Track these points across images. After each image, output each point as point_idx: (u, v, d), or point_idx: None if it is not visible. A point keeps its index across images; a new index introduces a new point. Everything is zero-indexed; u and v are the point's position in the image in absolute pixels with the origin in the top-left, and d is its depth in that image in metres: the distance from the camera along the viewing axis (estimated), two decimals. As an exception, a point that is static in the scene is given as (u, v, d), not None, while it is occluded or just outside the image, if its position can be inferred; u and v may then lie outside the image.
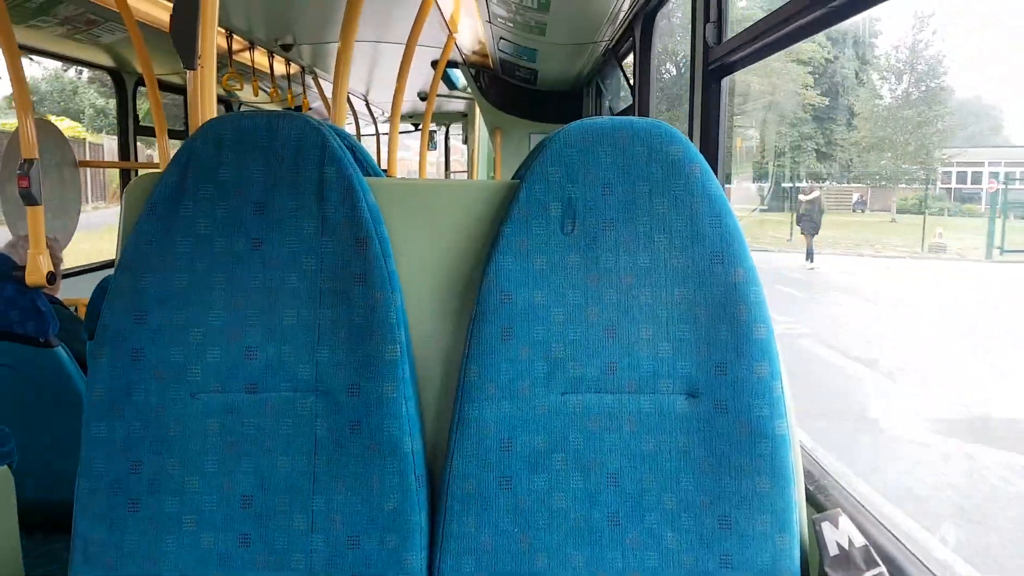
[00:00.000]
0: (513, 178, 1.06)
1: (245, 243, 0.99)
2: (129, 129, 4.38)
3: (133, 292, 0.98)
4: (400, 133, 4.35)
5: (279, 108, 5.72)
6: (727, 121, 1.89)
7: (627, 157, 0.99)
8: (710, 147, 1.87)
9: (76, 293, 3.51)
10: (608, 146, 0.99)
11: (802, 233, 13.88)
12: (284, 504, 0.96)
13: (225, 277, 0.98)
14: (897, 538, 1.02)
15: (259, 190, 0.99)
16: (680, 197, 0.98)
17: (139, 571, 0.95)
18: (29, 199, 2.43)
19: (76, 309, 3.09)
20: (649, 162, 0.98)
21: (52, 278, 2.39)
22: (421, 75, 4.91)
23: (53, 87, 19.51)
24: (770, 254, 14.64)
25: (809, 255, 13.44)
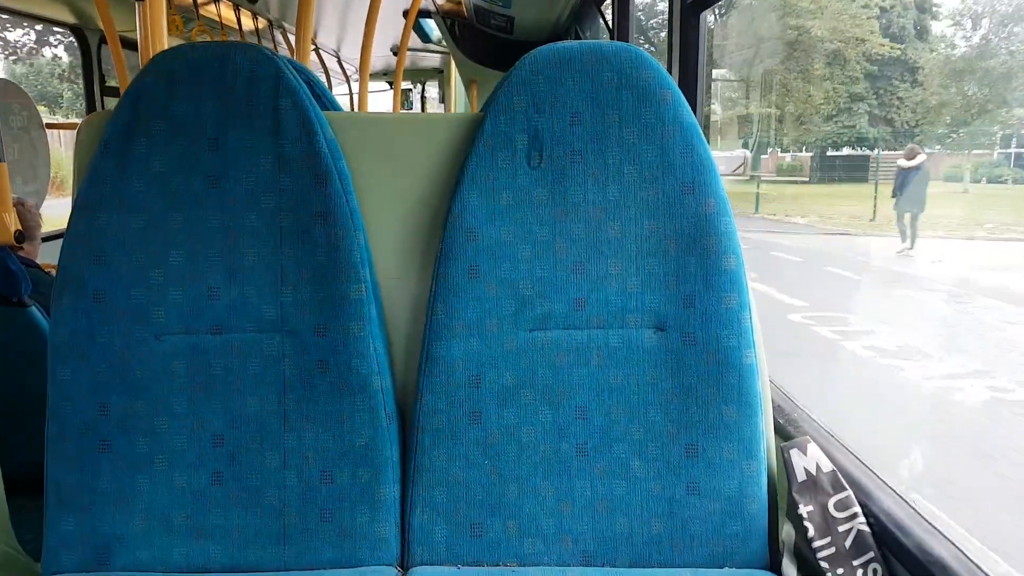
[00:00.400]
0: (480, 111, 1.03)
1: (201, 181, 0.96)
2: (95, 88, 4.26)
3: (90, 233, 0.95)
4: (374, 92, 4.27)
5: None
6: (705, 58, 1.85)
7: (596, 83, 0.96)
8: (689, 84, 1.84)
9: (52, 258, 3.46)
10: (576, 72, 0.96)
11: (896, 209, 10.26)
12: (255, 442, 0.96)
13: (183, 216, 0.96)
14: (864, 463, 1.03)
15: (213, 125, 0.96)
16: (651, 125, 0.96)
17: (113, 511, 0.95)
18: None
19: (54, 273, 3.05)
20: (620, 88, 0.96)
21: (20, 236, 2.34)
22: (393, 27, 4.80)
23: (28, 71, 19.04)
24: (852, 238, 11.47)
25: (906, 236, 9.87)
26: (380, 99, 8.95)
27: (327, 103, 1.06)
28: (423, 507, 0.96)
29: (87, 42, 4.21)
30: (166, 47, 1.49)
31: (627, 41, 2.93)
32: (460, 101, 7.43)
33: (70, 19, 4.04)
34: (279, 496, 0.96)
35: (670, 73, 1.87)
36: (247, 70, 0.96)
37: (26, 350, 2.28)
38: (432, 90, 9.13)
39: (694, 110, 1.25)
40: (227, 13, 4.41)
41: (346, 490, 0.96)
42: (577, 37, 4.34)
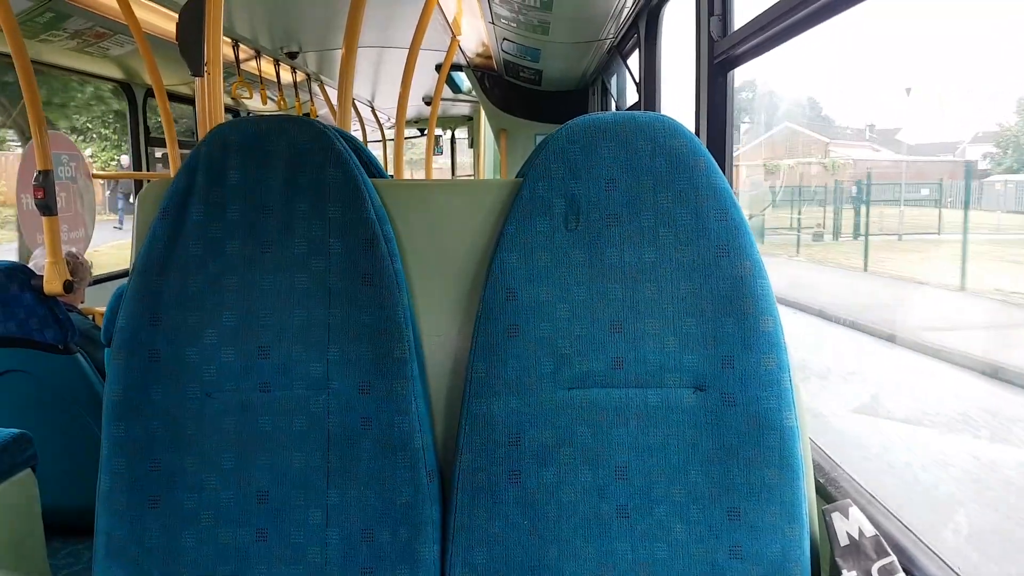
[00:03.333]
0: (516, 176, 1.07)
1: (255, 246, 1.00)
2: (140, 140, 4.43)
3: (148, 295, 0.99)
4: (406, 139, 4.37)
5: (287, 115, 5.75)
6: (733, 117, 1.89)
7: (630, 151, 0.99)
8: (717, 142, 1.87)
9: (91, 302, 3.56)
10: (611, 141, 0.99)
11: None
12: (299, 499, 0.98)
13: (237, 279, 1.00)
14: (907, 527, 1.02)
15: (267, 193, 1.01)
16: (685, 191, 0.98)
17: (160, 565, 0.97)
18: (45, 209, 2.48)
19: (93, 318, 3.14)
20: (653, 156, 0.99)
21: (69, 287, 2.43)
22: (425, 79, 4.94)
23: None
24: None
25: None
26: (410, 143, 9.13)
27: (374, 170, 1.11)
28: (463, 567, 0.97)
29: (134, 96, 4.39)
30: (223, 116, 1.57)
31: (654, 94, 2.99)
32: (489, 147, 7.55)
33: (119, 75, 4.23)
34: (321, 553, 0.98)
35: (698, 132, 1.91)
36: (301, 141, 1.01)
37: (71, 396, 2.35)
38: (461, 135, 9.30)
39: (723, 168, 1.27)
40: (267, 68, 4.57)
41: (387, 549, 0.97)
42: (604, 89, 4.43)
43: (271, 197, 1.01)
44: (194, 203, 1.01)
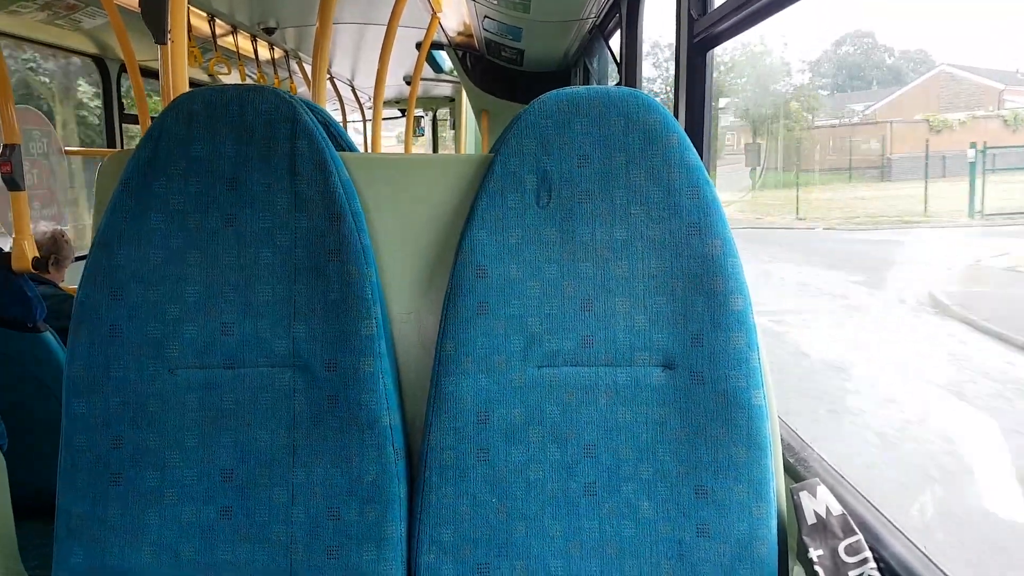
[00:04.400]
0: (490, 152, 1.05)
1: (219, 219, 0.98)
2: (114, 116, 4.34)
3: (109, 268, 0.97)
4: (387, 119, 4.32)
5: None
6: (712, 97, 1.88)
7: (603, 127, 0.98)
8: (695, 123, 1.86)
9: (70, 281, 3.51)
10: (584, 116, 0.98)
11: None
12: (264, 477, 0.97)
13: (200, 253, 0.98)
14: (874, 506, 1.03)
15: (231, 165, 0.98)
16: (658, 167, 0.97)
17: (122, 544, 0.96)
18: (12, 184, 2.42)
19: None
20: (626, 132, 0.98)
21: (38, 263, 2.39)
22: (406, 58, 4.87)
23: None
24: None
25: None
26: (392, 125, 9.03)
27: (342, 143, 1.09)
28: (430, 545, 0.96)
29: (108, 72, 4.30)
30: (187, 86, 1.54)
31: (635, 74, 2.97)
32: (470, 128, 7.50)
33: (92, 50, 4.13)
34: (287, 532, 0.97)
35: (676, 113, 1.90)
36: (265, 112, 0.99)
37: (39, 375, 2.31)
38: (443, 115, 9.23)
39: (700, 149, 1.26)
40: (244, 44, 4.49)
41: (353, 527, 0.96)
42: (585, 69, 4.40)
43: (235, 169, 0.98)
44: (156, 174, 0.98)
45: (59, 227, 2.81)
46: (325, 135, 1.01)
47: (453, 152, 9.08)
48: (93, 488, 0.96)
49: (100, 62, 4.27)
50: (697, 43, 1.82)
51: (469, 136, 7.70)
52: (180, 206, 0.98)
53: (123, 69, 4.33)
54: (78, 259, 3.76)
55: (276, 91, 1.01)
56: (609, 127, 0.98)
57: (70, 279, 2.91)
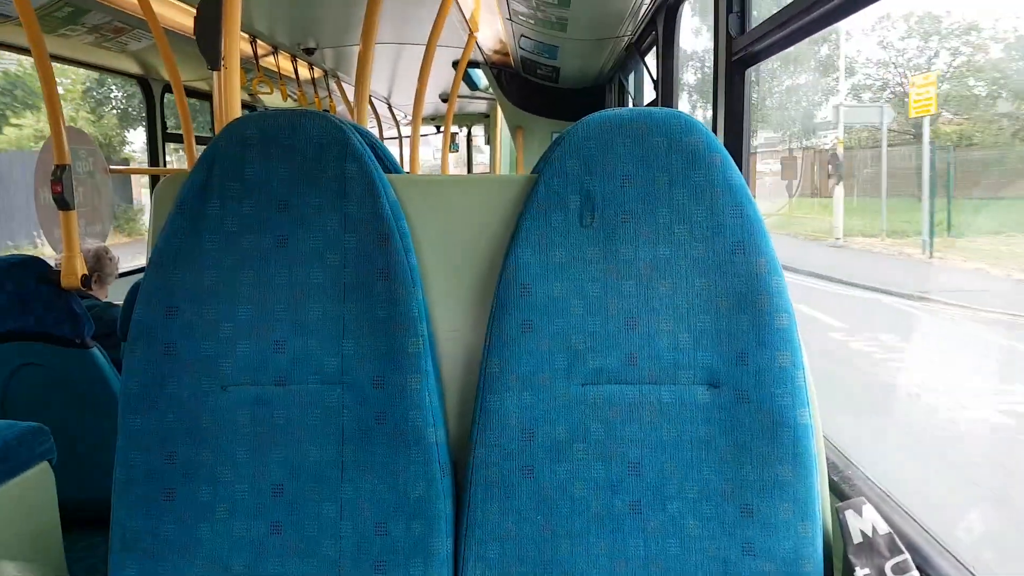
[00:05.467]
0: (532, 172, 1.07)
1: (271, 240, 1.01)
2: (158, 135, 4.46)
3: (164, 288, 1.00)
4: (422, 136, 4.37)
5: (303, 112, 5.79)
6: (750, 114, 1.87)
7: (646, 148, 0.99)
8: (734, 140, 1.86)
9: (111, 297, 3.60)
10: (626, 137, 0.99)
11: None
12: (314, 492, 0.98)
13: (252, 273, 1.00)
14: (921, 526, 1.01)
15: (283, 188, 1.01)
16: (700, 187, 0.97)
17: (175, 558, 0.98)
18: (63, 204, 2.49)
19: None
20: (669, 152, 0.98)
21: (86, 280, 2.45)
22: (442, 76, 4.94)
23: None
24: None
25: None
26: (426, 140, 9.14)
27: (389, 165, 1.11)
28: (476, 562, 0.97)
29: (151, 91, 4.43)
30: (239, 110, 1.58)
31: (672, 92, 2.97)
32: (506, 145, 7.55)
33: (136, 70, 4.26)
34: (335, 547, 0.98)
35: (715, 130, 1.90)
36: (316, 136, 1.01)
37: (87, 390, 2.36)
38: (478, 132, 9.31)
39: (739, 166, 1.26)
40: (285, 64, 4.59)
41: (400, 543, 0.98)
42: (621, 87, 4.41)
43: (287, 191, 1.01)
44: (210, 197, 1.01)
45: (102, 244, 2.89)
46: (373, 158, 1.03)
47: (488, 168, 9.14)
48: (147, 503, 0.99)
49: (144, 82, 4.40)
50: (736, 61, 1.82)
51: (504, 152, 7.75)
52: (233, 227, 1.01)
53: (166, 89, 4.46)
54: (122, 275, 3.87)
55: (327, 116, 1.03)
56: (651, 148, 0.99)
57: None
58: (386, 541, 0.98)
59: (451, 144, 8.71)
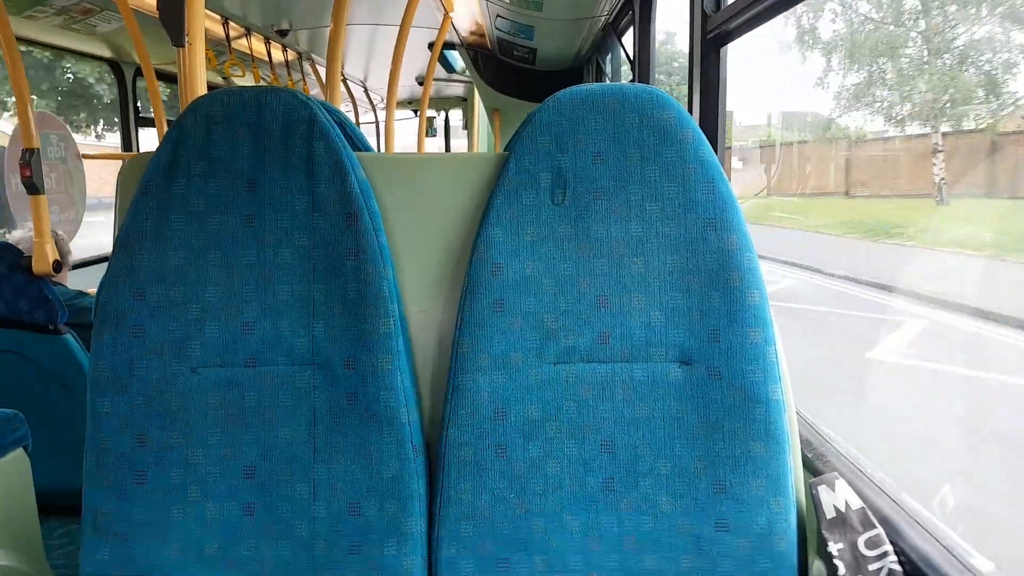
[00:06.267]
0: (504, 150, 1.06)
1: (238, 220, 0.99)
2: (130, 119, 4.38)
3: (130, 270, 0.99)
4: (399, 120, 4.33)
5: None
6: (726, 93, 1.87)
7: (618, 124, 0.98)
8: (709, 118, 1.86)
9: (84, 284, 3.55)
10: (598, 113, 0.99)
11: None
12: (286, 474, 0.98)
13: (220, 253, 0.99)
14: (894, 500, 1.03)
15: (249, 167, 0.99)
16: (673, 164, 0.97)
17: (148, 541, 0.97)
18: (32, 188, 2.45)
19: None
20: (641, 128, 0.98)
21: (58, 266, 2.41)
22: (418, 58, 4.89)
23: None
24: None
25: None
26: (405, 126, 9.05)
27: (358, 143, 1.10)
28: (450, 541, 0.97)
29: (123, 75, 4.34)
30: (205, 88, 1.55)
31: (648, 72, 2.97)
32: (483, 128, 7.51)
33: (107, 54, 4.18)
34: (309, 528, 0.98)
35: (690, 109, 1.90)
36: (283, 114, 1.00)
37: (61, 376, 2.34)
38: (456, 116, 9.24)
39: (714, 145, 1.26)
40: (258, 46, 4.52)
41: (374, 523, 0.97)
42: (598, 68, 4.39)
43: (253, 170, 1.00)
44: (176, 176, 0.99)
45: (58, 232, 2.84)
46: (342, 136, 1.02)
47: (465, 151, 9.08)
48: (118, 486, 0.98)
49: (115, 66, 4.31)
50: (711, 39, 1.82)
51: (482, 136, 7.70)
52: (200, 207, 0.99)
53: (138, 72, 4.38)
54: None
55: (293, 92, 1.02)
56: (624, 124, 0.98)
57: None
58: (359, 522, 0.97)
59: (429, 129, 8.63)
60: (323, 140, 0.99)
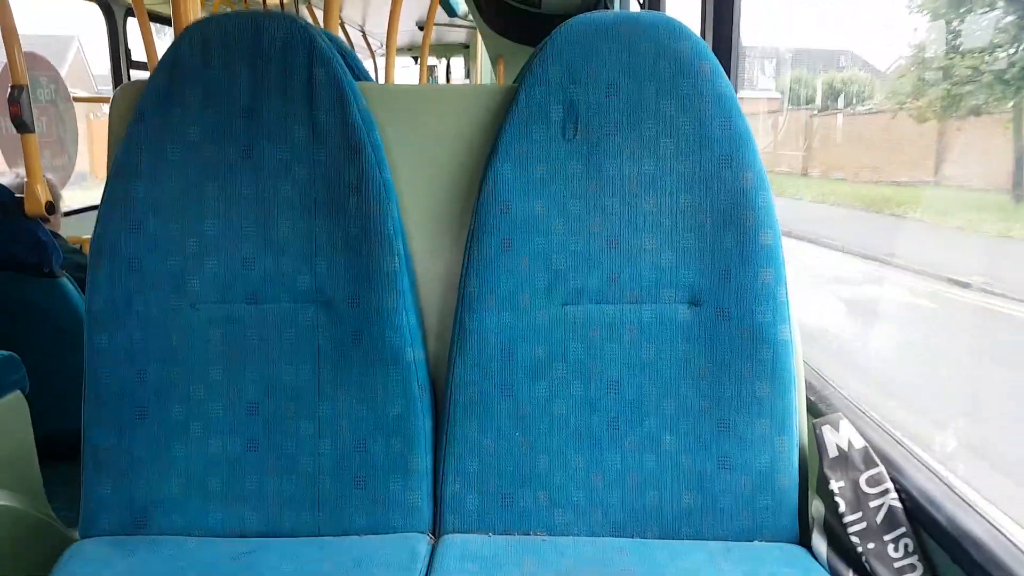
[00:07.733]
0: (513, 82, 1.02)
1: (236, 151, 0.96)
2: (121, 61, 4.28)
3: (126, 201, 0.96)
4: (399, 68, 4.23)
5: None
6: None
7: (633, 55, 0.95)
8: (723, 54, 1.80)
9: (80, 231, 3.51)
10: (613, 42, 0.95)
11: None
12: (290, 411, 0.97)
13: (217, 186, 0.96)
14: (897, 440, 1.02)
15: (247, 94, 0.96)
16: (688, 97, 0.94)
17: (149, 476, 0.97)
18: (22, 126, 2.39)
19: (81, 247, 3.10)
20: (656, 59, 0.95)
21: (51, 208, 2.37)
22: (418, 1, 4.76)
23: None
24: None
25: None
26: (405, 75, 8.88)
27: (359, 74, 1.06)
28: (455, 477, 0.97)
29: (113, 15, 4.23)
30: (199, 13, 1.50)
31: (659, 4, 2.88)
32: (486, 77, 7.37)
33: None
34: (313, 463, 0.97)
35: (703, 35, 1.84)
36: (281, 38, 0.96)
37: (59, 321, 2.32)
38: (458, 64, 9.06)
39: (728, 74, 1.22)
40: None
41: (379, 459, 0.97)
42: (606, 9, 4.28)
43: (251, 98, 0.96)
44: (171, 104, 0.96)
45: (47, 175, 2.79)
46: (343, 64, 0.98)
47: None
48: (119, 421, 0.97)
49: (105, 6, 4.19)
50: (723, -26, 1.75)
51: (485, 83, 7.56)
52: (196, 137, 0.96)
53: (129, 12, 4.26)
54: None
55: (292, 17, 0.98)
56: (639, 54, 0.95)
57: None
58: (365, 457, 0.97)
59: (430, 77, 8.47)
60: (324, 67, 0.96)
